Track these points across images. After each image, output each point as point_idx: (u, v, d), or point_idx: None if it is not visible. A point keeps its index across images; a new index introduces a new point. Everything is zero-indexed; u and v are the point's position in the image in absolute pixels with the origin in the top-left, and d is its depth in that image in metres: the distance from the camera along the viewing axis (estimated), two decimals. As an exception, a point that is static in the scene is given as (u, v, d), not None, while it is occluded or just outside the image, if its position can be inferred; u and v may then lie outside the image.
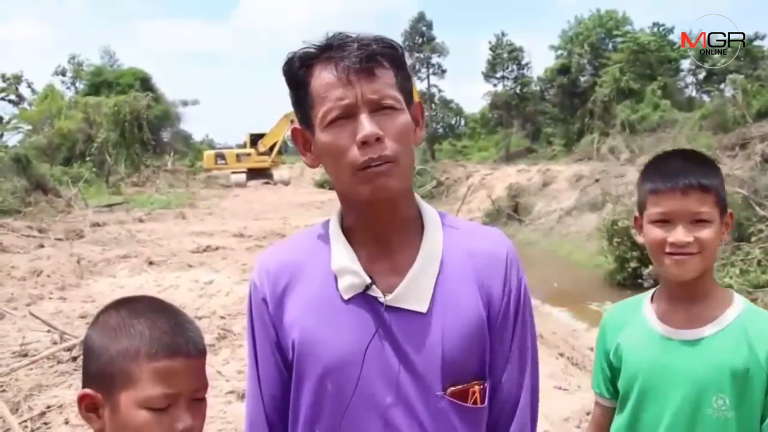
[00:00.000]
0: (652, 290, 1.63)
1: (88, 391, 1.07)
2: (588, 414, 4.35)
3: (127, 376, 1.03)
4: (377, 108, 1.11)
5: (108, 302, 1.15)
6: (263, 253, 1.31)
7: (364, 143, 1.09)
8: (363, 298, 1.16)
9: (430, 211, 1.26)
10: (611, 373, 1.63)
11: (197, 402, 1.08)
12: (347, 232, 1.22)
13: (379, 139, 1.09)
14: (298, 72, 1.17)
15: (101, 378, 1.05)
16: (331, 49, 1.14)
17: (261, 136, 34.87)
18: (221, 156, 35.00)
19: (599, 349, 1.68)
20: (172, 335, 1.05)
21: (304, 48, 1.16)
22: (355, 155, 1.10)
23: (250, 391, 1.27)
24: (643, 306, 1.60)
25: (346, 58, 1.11)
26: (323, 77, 1.13)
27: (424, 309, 1.16)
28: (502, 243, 1.27)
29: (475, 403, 1.18)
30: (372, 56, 1.12)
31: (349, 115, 1.11)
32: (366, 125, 1.09)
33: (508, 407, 1.23)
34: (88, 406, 1.07)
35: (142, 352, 1.03)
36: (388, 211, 1.17)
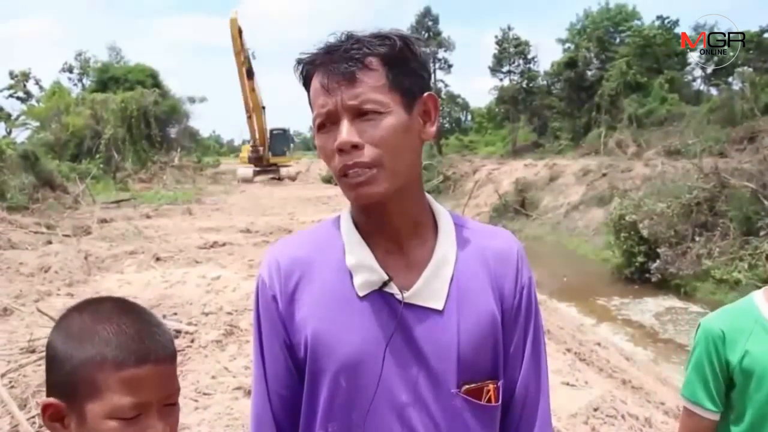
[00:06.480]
0: (757, 293, 1.60)
1: (52, 400, 1.02)
2: (596, 410, 4.33)
3: (93, 386, 0.98)
4: (359, 114, 1.09)
5: (71, 305, 1.09)
6: (271, 249, 1.28)
7: (341, 150, 1.09)
8: (379, 295, 1.16)
9: (442, 210, 1.26)
10: (725, 385, 1.59)
11: (168, 407, 1.04)
12: (359, 228, 1.21)
13: (356, 147, 1.09)
14: (303, 78, 1.18)
15: (65, 387, 1.01)
16: (323, 55, 1.13)
17: (282, 130, 34.96)
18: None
19: (708, 359, 1.61)
20: (138, 341, 1.00)
21: (304, 54, 1.16)
22: (336, 162, 1.11)
23: (257, 390, 1.25)
24: (761, 311, 1.57)
25: (330, 63, 1.10)
26: (314, 84, 1.14)
27: (440, 306, 1.16)
28: (513, 242, 1.28)
29: (489, 401, 1.18)
30: (356, 60, 1.09)
31: (333, 121, 1.10)
32: (342, 133, 1.09)
33: (527, 407, 1.24)
34: (52, 416, 1.02)
35: (108, 360, 0.98)
36: (395, 211, 1.17)
